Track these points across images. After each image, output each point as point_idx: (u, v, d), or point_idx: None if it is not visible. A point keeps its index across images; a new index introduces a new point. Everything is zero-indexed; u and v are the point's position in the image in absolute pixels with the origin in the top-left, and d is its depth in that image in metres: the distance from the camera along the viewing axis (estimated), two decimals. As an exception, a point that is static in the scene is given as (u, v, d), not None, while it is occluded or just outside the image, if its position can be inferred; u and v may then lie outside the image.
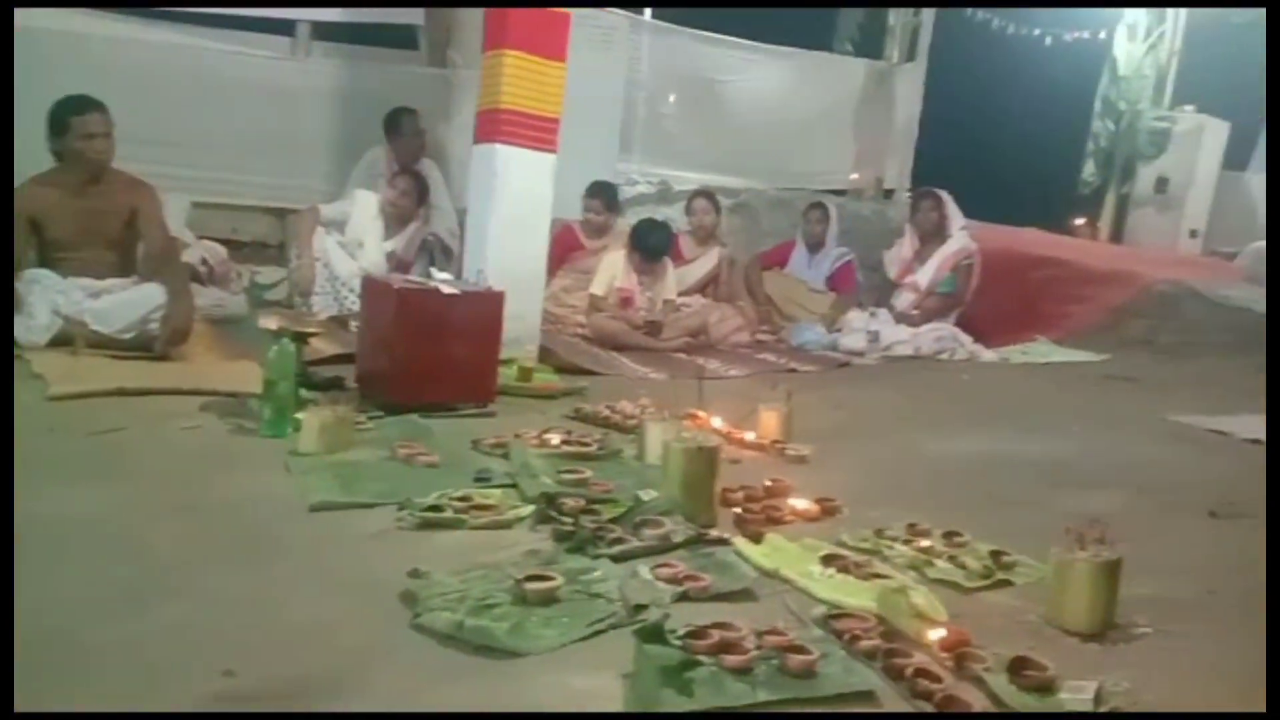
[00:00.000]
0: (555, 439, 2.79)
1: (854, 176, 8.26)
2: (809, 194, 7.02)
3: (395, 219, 5.18)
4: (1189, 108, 9.27)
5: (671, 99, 7.51)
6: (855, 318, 5.70)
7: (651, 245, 5.21)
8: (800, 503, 2.38)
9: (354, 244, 5.06)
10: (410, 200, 5.17)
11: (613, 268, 5.26)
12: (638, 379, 4.28)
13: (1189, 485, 2.92)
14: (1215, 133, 9.28)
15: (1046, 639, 1.71)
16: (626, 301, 5.21)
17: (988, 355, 5.58)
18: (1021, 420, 3.93)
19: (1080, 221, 9.73)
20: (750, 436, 3.06)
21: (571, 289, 5.42)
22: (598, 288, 5.22)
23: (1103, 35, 9.11)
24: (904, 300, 5.89)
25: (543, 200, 3.96)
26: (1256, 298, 6.15)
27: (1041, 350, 5.78)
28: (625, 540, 1.96)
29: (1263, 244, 8.10)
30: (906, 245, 6.08)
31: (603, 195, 5.66)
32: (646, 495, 2.21)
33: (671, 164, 7.29)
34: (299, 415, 2.65)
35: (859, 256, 6.26)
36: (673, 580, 1.77)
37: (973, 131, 10.15)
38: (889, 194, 8.26)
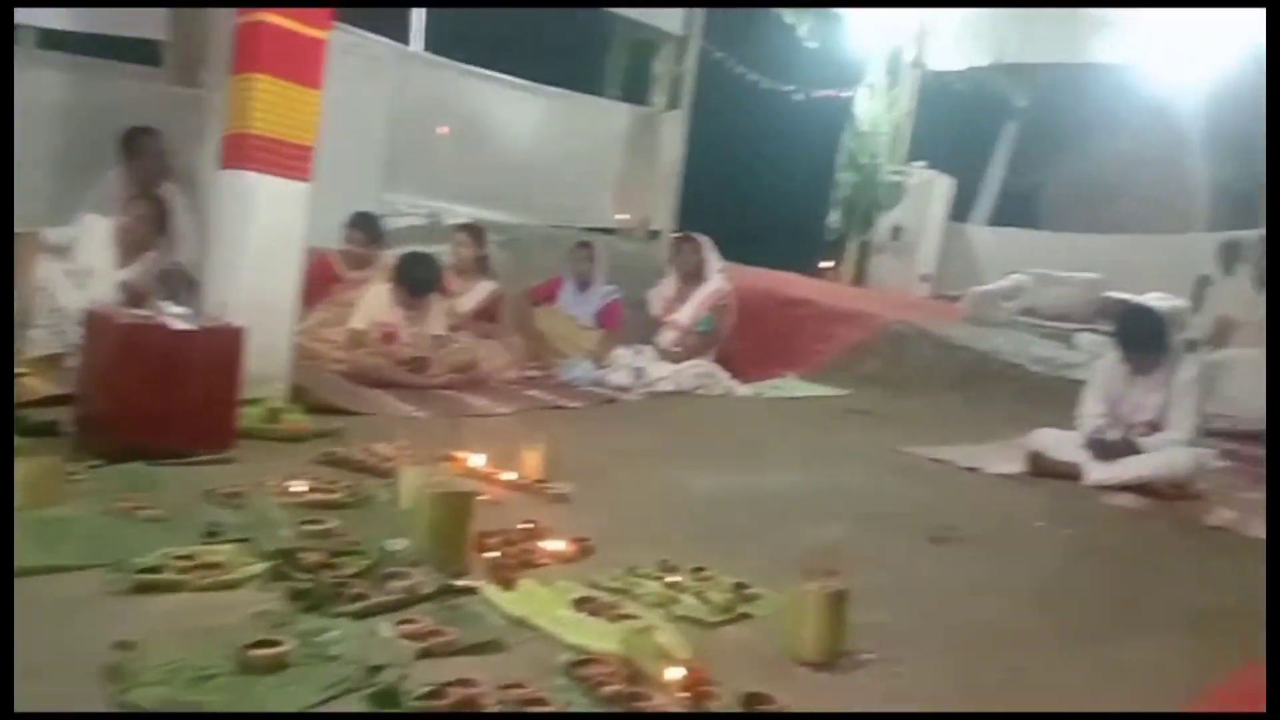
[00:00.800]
0: (301, 486, 2.63)
1: (622, 217, 8.49)
2: (578, 232, 7.13)
3: (130, 247, 4.75)
4: (920, 163, 10.26)
5: (443, 131, 7.43)
6: (622, 354, 5.81)
7: (417, 279, 5.09)
8: (556, 544, 2.37)
9: (83, 273, 4.58)
10: (147, 227, 4.76)
11: (376, 301, 5.08)
12: (400, 418, 4.13)
13: (913, 513, 3.17)
14: (942, 187, 10.32)
15: (782, 670, 1.79)
16: (390, 337, 5.04)
17: (743, 390, 5.85)
18: (771, 454, 4.15)
19: (827, 265, 10.49)
20: (511, 477, 3.03)
21: (330, 323, 5.18)
22: (359, 322, 5.02)
23: (846, 94, 9.90)
24: (667, 338, 6.08)
25: (294, 230, 3.76)
26: (976, 337, 6.85)
27: (791, 385, 6.14)
28: (367, 596, 1.87)
29: (982, 288, 9.08)
30: (668, 285, 6.29)
31: (365, 226, 5.47)
32: (396, 545, 2.13)
33: (442, 197, 7.19)
34: None
35: (626, 294, 6.40)
36: (415, 636, 1.70)
37: (733, 178, 10.74)
38: (655, 234, 8.54)
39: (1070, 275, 8.69)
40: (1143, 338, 4.03)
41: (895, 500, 3.40)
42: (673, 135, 8.47)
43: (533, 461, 3.10)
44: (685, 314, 6.13)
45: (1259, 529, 3.36)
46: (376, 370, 4.82)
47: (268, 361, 3.63)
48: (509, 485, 2.99)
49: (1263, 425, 5.25)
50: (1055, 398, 5.05)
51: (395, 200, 6.78)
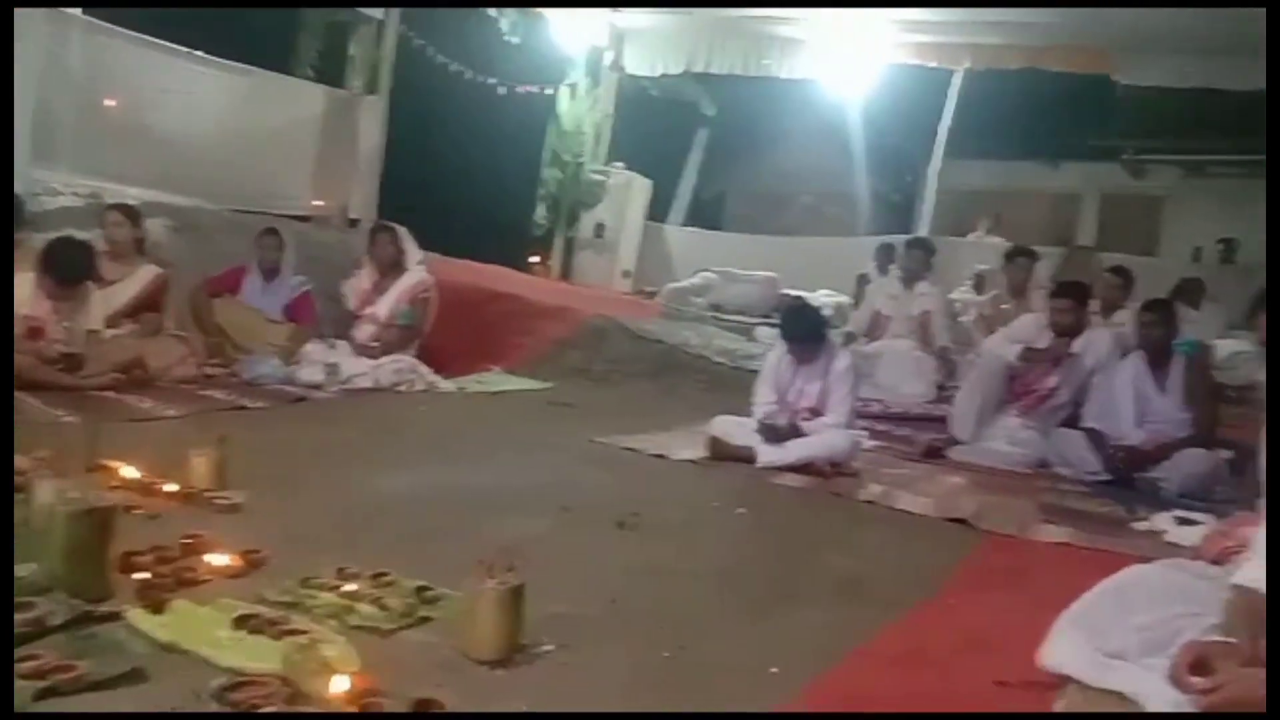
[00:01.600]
0: (-99, 510, 2.25)
1: (318, 203, 8.06)
2: (267, 218, 6.68)
3: None
4: (620, 164, 10.64)
5: (109, 104, 6.66)
6: (313, 350, 5.52)
7: (67, 266, 4.53)
8: (221, 558, 2.20)
9: None
10: None
11: (18, 293, 4.45)
12: (46, 425, 3.66)
13: (603, 501, 3.27)
14: (641, 187, 10.77)
15: (457, 671, 1.77)
16: (36, 332, 4.45)
17: (446, 386, 5.77)
18: (469, 449, 4.12)
19: (535, 259, 10.61)
20: (174, 487, 2.78)
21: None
22: (-5, 317, 4.38)
23: (549, 91, 10.04)
24: (364, 332, 5.86)
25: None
26: (668, 331, 7.21)
27: (495, 380, 6.14)
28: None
29: (675, 284, 9.57)
30: (365, 277, 6.07)
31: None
32: (24, 571, 1.88)
33: (106, 176, 6.44)
34: None
35: (322, 286, 6.08)
36: (36, 674, 1.50)
37: (438, 168, 10.53)
38: (354, 223, 8.19)
39: (751, 273, 9.38)
40: (802, 331, 4.42)
41: (587, 490, 3.49)
42: (371, 121, 8.17)
43: (200, 469, 2.86)
44: (383, 307, 5.94)
45: (902, 501, 3.80)
46: (21, 371, 4.24)
47: None
48: (171, 496, 2.73)
49: (908, 408, 5.99)
50: (736, 386, 5.43)
51: (48, 178, 5.98)
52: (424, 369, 5.78)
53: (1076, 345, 5.18)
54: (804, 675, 1.96)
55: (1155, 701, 1.75)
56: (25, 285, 4.49)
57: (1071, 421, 5.08)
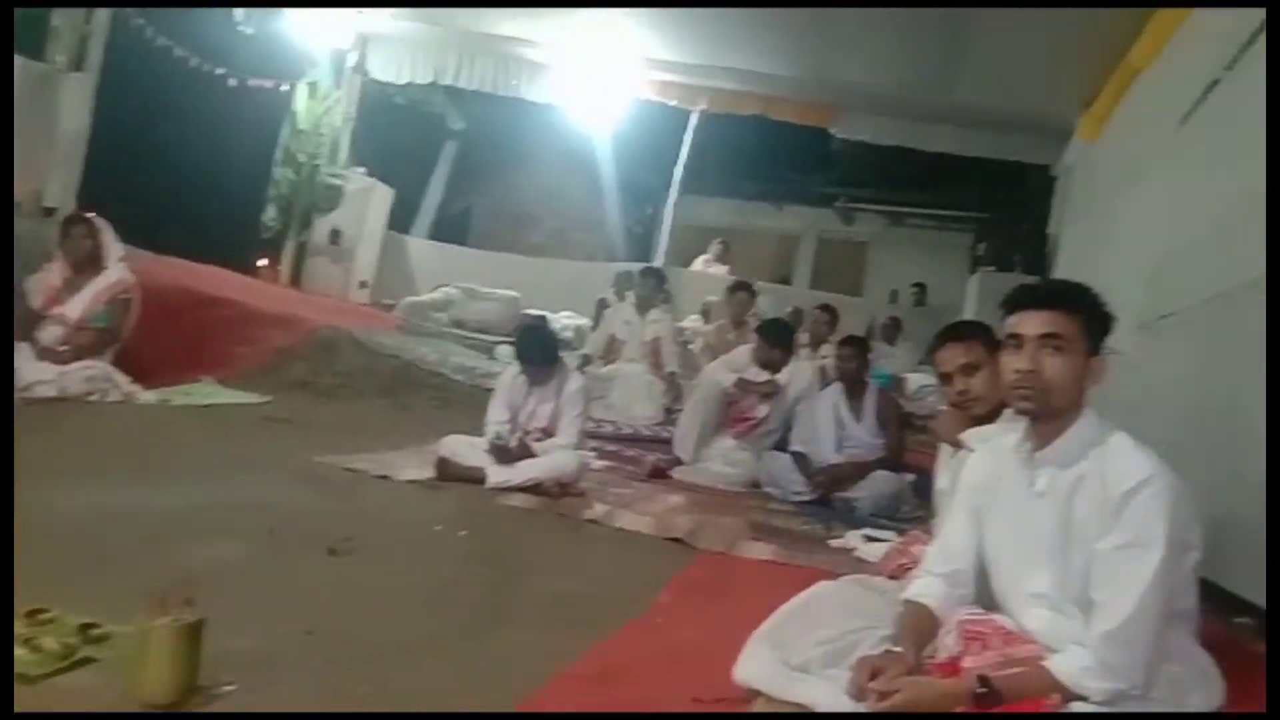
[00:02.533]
0: None
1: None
2: (-66, 200, 5.80)
3: None
4: (360, 170, 10.24)
5: None
6: (-14, 353, 4.85)
7: None
8: None
9: None
10: None
11: None
12: None
13: (316, 525, 3.09)
14: (382, 196, 10.42)
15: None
16: None
17: (146, 396, 5.24)
18: (167, 466, 3.77)
19: (263, 263, 9.94)
20: None
21: None
22: None
23: (285, 87, 9.49)
24: (50, 334, 5.21)
25: None
26: (404, 345, 7.01)
27: (206, 391, 5.67)
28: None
29: (415, 298, 9.36)
30: (56, 273, 5.42)
31: None
32: None
33: None
34: None
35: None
36: None
37: (153, 159, 9.61)
38: (49, 212, 7.30)
39: (494, 291, 9.37)
40: (536, 352, 4.45)
41: (299, 513, 3.29)
42: (76, 101, 7.33)
43: None
44: (76, 307, 5.32)
45: (623, 521, 3.90)
46: None
47: None
48: None
49: (638, 429, 6.19)
50: (473, 404, 5.36)
51: None
52: (120, 377, 5.23)
53: (783, 376, 5.59)
54: (509, 700, 1.95)
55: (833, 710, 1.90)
56: None
57: (781, 445, 5.48)
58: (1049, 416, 1.94)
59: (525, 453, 4.29)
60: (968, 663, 1.94)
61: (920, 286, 12.00)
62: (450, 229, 13.40)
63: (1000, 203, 12.48)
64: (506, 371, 4.65)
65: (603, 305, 8.63)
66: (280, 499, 3.46)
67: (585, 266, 11.36)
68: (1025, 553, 1.98)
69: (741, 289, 7.13)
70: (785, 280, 13.74)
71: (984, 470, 2.14)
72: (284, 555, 2.76)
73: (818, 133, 9.83)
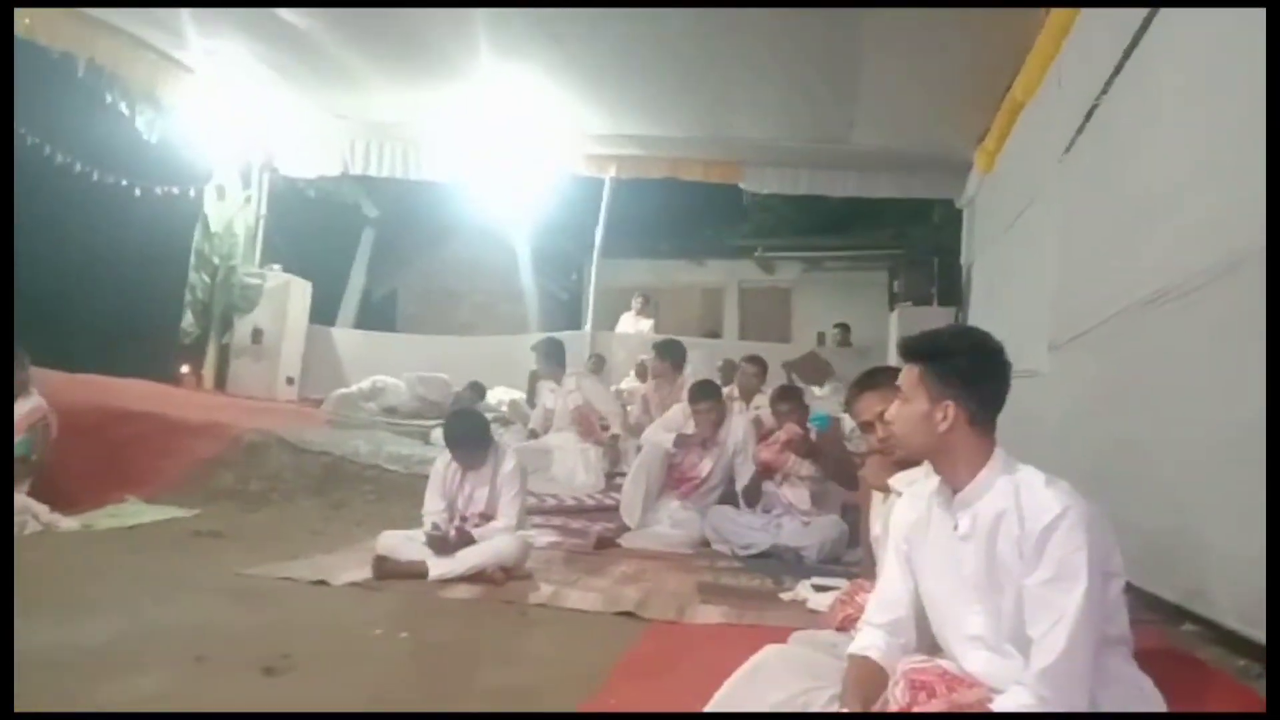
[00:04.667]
0: None
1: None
2: None
3: None
4: (276, 266, 10.12)
5: None
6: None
7: None
8: None
9: None
10: None
11: None
12: None
13: (249, 643, 2.98)
14: (300, 290, 10.30)
15: None
16: None
17: (68, 524, 5.06)
18: (90, 598, 3.59)
19: (185, 370, 9.72)
20: None
21: None
22: None
23: (192, 192, 9.40)
24: None
25: None
26: (335, 440, 6.88)
27: (131, 510, 5.48)
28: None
29: (343, 390, 9.21)
30: None
31: None
32: None
33: None
34: None
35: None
36: None
37: (63, 276, 9.44)
38: (-49, 341, 7.06)
39: (427, 375, 9.27)
40: (466, 438, 4.40)
41: (229, 632, 3.17)
42: (-24, 227, 7.13)
43: None
44: None
45: (571, 600, 3.84)
46: None
47: None
48: None
49: (581, 499, 6.14)
50: (411, 494, 5.27)
51: None
52: (38, 507, 5.04)
53: (720, 432, 5.62)
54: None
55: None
56: None
57: (725, 499, 5.48)
58: (917, 461, 2.02)
59: (465, 540, 4.21)
60: (917, 711, 1.94)
61: (843, 327, 12.21)
62: (375, 316, 13.32)
63: (912, 239, 12.87)
64: (439, 459, 4.59)
65: (535, 377, 8.60)
66: (210, 619, 3.34)
67: (515, 340, 11.34)
68: (956, 596, 2.00)
69: (669, 346, 7.18)
70: (714, 333, 13.89)
71: (911, 515, 2.16)
72: (214, 681, 2.64)
73: (729, 188, 10.04)
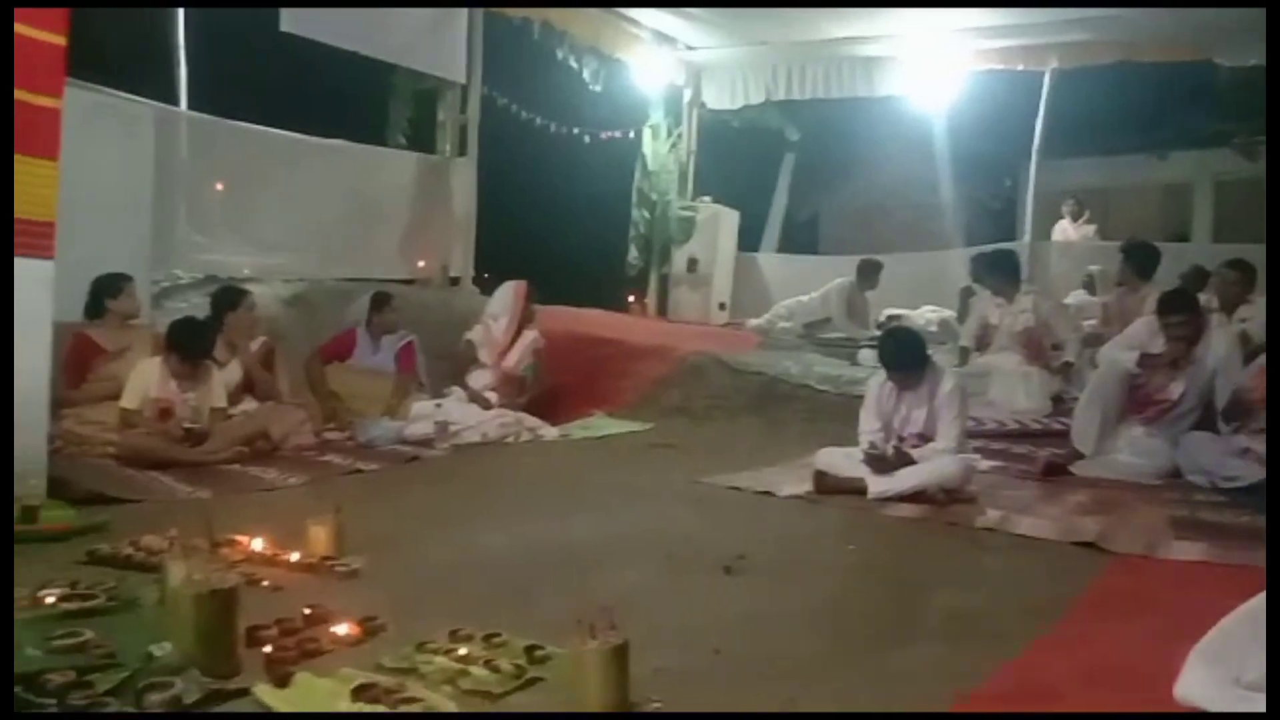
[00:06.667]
0: (52, 596, 2.41)
1: (420, 265, 8.35)
2: (372, 284, 6.96)
3: None
4: (707, 198, 10.69)
5: (217, 189, 7.08)
6: (422, 407, 5.70)
7: (190, 347, 4.78)
8: (341, 628, 2.28)
9: None
10: None
11: (145, 376, 4.75)
12: (178, 502, 3.87)
13: (708, 545, 3.25)
14: (729, 219, 10.78)
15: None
16: (166, 413, 4.71)
17: (551, 434, 5.87)
18: (574, 499, 4.15)
19: (632, 300, 10.74)
20: (295, 557, 2.90)
21: (99, 394, 4.80)
22: (129, 400, 4.68)
23: (632, 134, 10.21)
24: (482, 380, 6.07)
25: (39, 312, 3.48)
26: (767, 361, 7.15)
27: (598, 424, 6.22)
28: (123, 714, 1.73)
29: (770, 313, 9.53)
30: (499, 330, 6.26)
31: (123, 280, 5.12)
32: (160, 650, 1.99)
33: (219, 257, 6.84)
34: None
35: (427, 345, 6.31)
36: (172, 755, 1.59)
37: (530, 221, 10.82)
38: (454, 282, 8.45)
39: (848, 294, 9.22)
40: (903, 359, 4.32)
41: (691, 534, 3.48)
42: (463, 182, 8.41)
43: (320, 537, 2.98)
44: (512, 358, 6.20)
45: (1022, 526, 3.67)
46: (152, 451, 4.51)
47: (21, 457, 3.32)
48: (293, 566, 2.86)
49: (1024, 424, 5.78)
50: (842, 414, 5.35)
51: (166, 265, 6.38)
52: (529, 420, 5.91)
53: (1196, 349, 4.89)
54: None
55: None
56: (152, 368, 4.77)
57: (1202, 425, 4.81)
58: None
59: (904, 460, 4.18)
60: None
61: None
62: (799, 239, 13.51)
63: None
64: (874, 379, 4.57)
65: (967, 293, 8.19)
66: (673, 522, 3.69)
67: (943, 255, 10.86)
68: None
69: (1139, 249, 6.43)
70: (1181, 236, 12.19)
71: None
72: (683, 577, 2.92)
73: (1196, 67, 8.62)
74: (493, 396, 5.98)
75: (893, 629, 2.50)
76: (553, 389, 6.45)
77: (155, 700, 1.79)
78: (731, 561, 2.99)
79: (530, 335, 6.31)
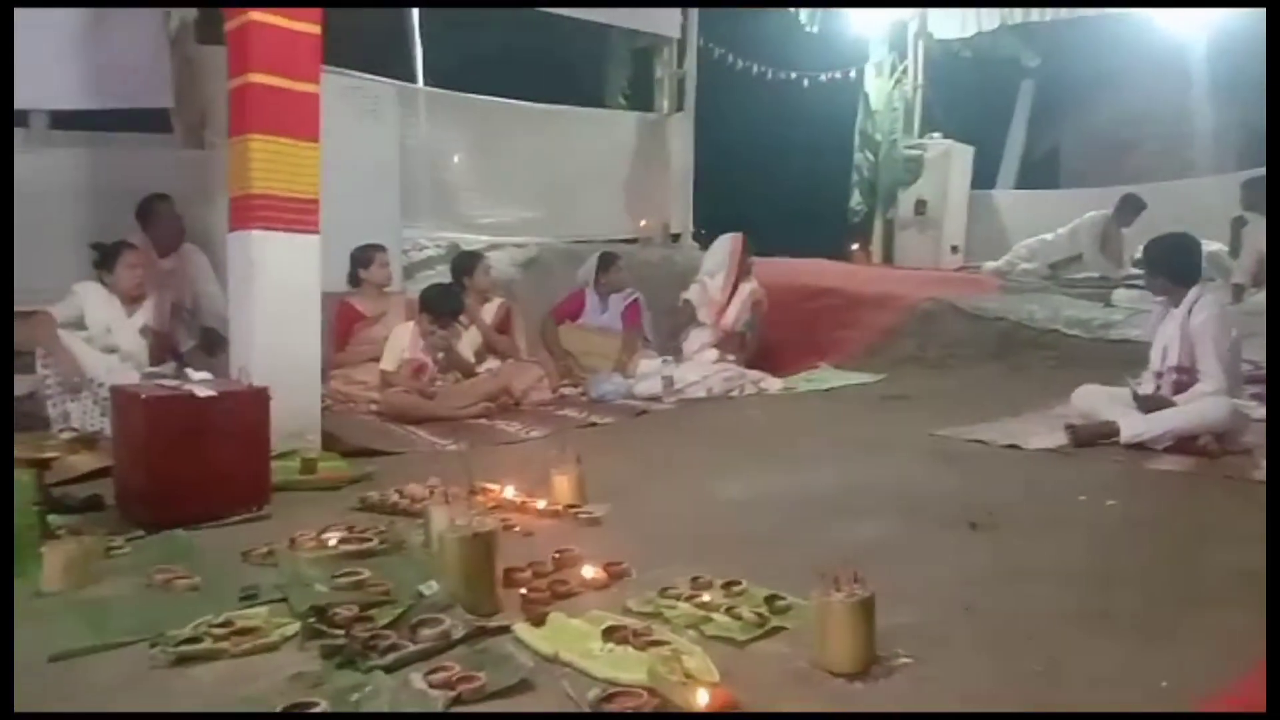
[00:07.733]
0: (333, 538, 2.67)
1: (642, 223, 8.49)
2: (598, 245, 7.16)
3: (132, 300, 4.70)
4: (936, 135, 10.14)
5: (456, 160, 7.49)
6: (649, 364, 5.83)
7: (441, 310, 5.14)
8: (589, 571, 2.38)
9: (101, 334, 4.59)
10: (139, 278, 4.67)
11: (400, 339, 5.14)
12: (435, 454, 4.17)
13: (951, 500, 3.12)
14: (961, 156, 10.18)
15: (814, 683, 1.77)
16: (419, 371, 5.09)
17: (775, 386, 5.83)
18: (805, 451, 4.11)
19: (855, 247, 10.41)
20: (542, 504, 3.05)
21: (361, 356, 5.27)
22: (388, 362, 5.09)
23: (853, 74, 9.83)
24: (704, 337, 6.14)
25: (308, 283, 3.83)
26: (1008, 306, 6.74)
27: (824, 376, 6.10)
28: (400, 646, 1.89)
29: (1009, 254, 8.94)
30: (717, 288, 6.29)
31: (375, 251, 5.54)
32: (429, 589, 2.15)
33: (459, 226, 7.27)
34: (43, 550, 2.41)
35: (652, 302, 6.44)
36: (446, 685, 1.71)
37: (747, 172, 10.69)
38: (675, 238, 8.53)
39: (1098, 228, 8.49)
40: (1163, 262, 3.90)
41: (932, 488, 3.35)
42: (682, 137, 8.44)
43: (563, 486, 3.11)
44: (730, 315, 6.22)
45: (1310, 478, 3.26)
46: (409, 408, 4.88)
47: (298, 414, 3.69)
48: (541, 513, 3.00)
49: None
50: (1094, 360, 4.98)
51: (414, 234, 6.84)
52: (751, 373, 5.91)
53: None
54: (1201, 689, 1.74)
55: None
56: (407, 332, 5.15)
57: None
58: None
59: (1161, 403, 3.81)
60: None
61: None
62: (1037, 174, 12.55)
63: None
64: (1157, 307, 4.16)
65: (1239, 224, 7.34)
66: (912, 475, 3.57)
67: (1202, 184, 9.75)
68: None
69: None
70: None
71: None
72: (926, 531, 2.82)
73: None
74: (713, 354, 6.02)
75: (1167, 590, 2.29)
76: (774, 341, 6.39)
77: (428, 635, 1.94)
78: (977, 517, 2.85)
79: (747, 288, 6.28)
